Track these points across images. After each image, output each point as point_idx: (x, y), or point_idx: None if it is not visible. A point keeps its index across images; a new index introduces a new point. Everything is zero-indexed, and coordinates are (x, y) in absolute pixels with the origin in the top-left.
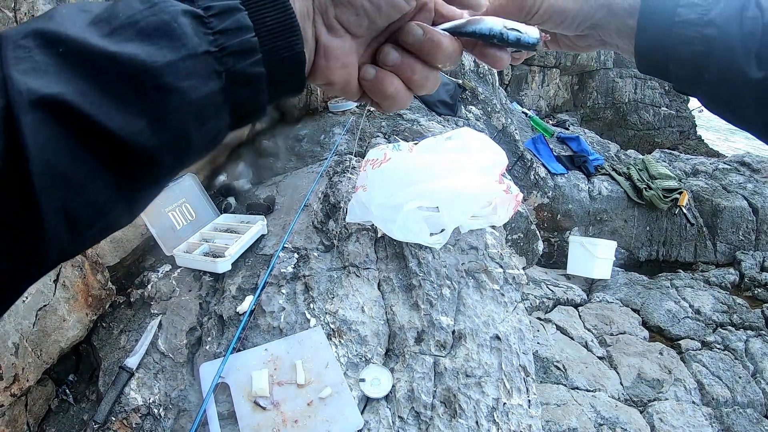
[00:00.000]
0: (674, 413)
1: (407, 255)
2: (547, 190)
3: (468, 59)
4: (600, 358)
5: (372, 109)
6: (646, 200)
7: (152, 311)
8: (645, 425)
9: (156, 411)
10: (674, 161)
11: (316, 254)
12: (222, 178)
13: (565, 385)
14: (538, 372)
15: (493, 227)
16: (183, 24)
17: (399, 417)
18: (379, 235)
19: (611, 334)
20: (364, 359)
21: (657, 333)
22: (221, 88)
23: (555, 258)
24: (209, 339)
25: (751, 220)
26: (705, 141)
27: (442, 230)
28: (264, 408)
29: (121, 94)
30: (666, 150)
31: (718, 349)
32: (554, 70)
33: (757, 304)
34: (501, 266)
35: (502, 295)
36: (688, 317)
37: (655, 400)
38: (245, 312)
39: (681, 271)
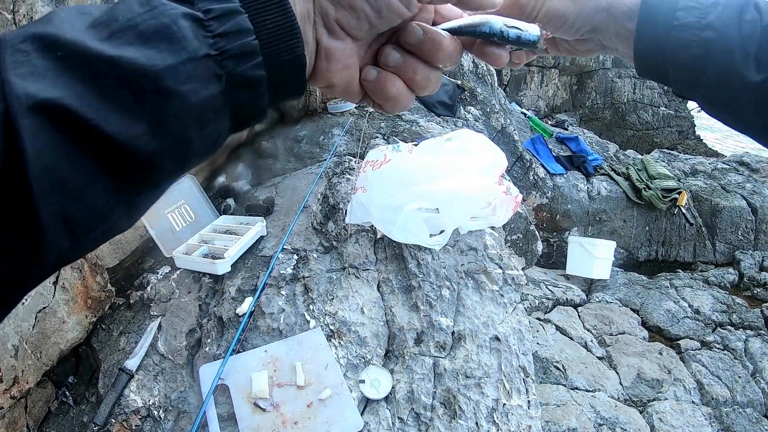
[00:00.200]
0: (674, 413)
1: (407, 256)
2: (546, 191)
3: (467, 60)
4: (599, 358)
5: (372, 109)
6: (645, 200)
7: (152, 313)
8: (645, 425)
9: (156, 413)
10: (673, 161)
11: (315, 255)
12: (221, 179)
13: (564, 386)
14: (537, 372)
15: (493, 228)
16: (183, 27)
17: (399, 418)
18: (378, 237)
19: (611, 334)
20: (363, 360)
21: (656, 333)
22: (221, 92)
23: (554, 258)
24: (209, 341)
25: (750, 220)
26: (704, 141)
27: (442, 231)
28: (264, 409)
29: (120, 98)
30: (665, 150)
31: (718, 348)
32: (553, 70)
33: (756, 304)
34: (500, 267)
35: (502, 295)
36: (688, 317)
37: (654, 400)
38: (245, 313)
39: (680, 270)
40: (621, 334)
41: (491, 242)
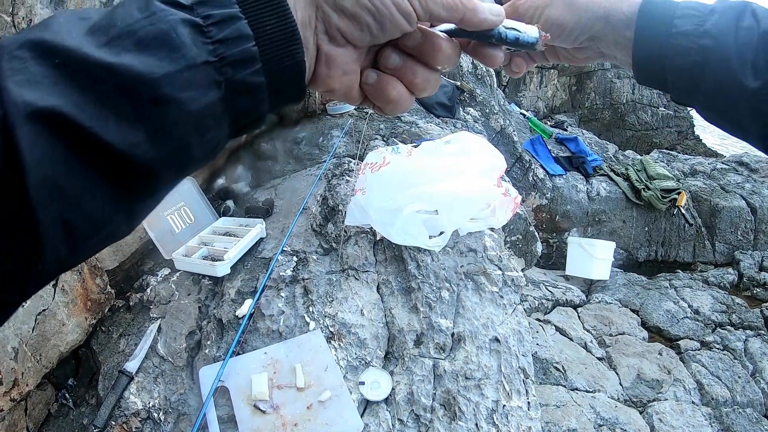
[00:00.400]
0: (674, 413)
1: (406, 258)
2: (545, 192)
3: (466, 61)
4: (599, 358)
5: (371, 111)
6: (645, 201)
7: (151, 315)
8: (644, 425)
9: (156, 415)
10: (672, 161)
11: (315, 257)
12: (220, 181)
13: (564, 386)
14: (537, 373)
15: (492, 229)
16: (182, 34)
17: (399, 420)
18: (378, 238)
19: (610, 335)
20: (363, 362)
21: (656, 333)
22: (221, 98)
23: (554, 259)
24: (209, 343)
25: (750, 220)
26: (703, 141)
27: (441, 233)
28: (264, 411)
29: (118, 106)
30: (664, 150)
31: (718, 349)
32: (552, 71)
33: (756, 304)
34: (500, 268)
35: (501, 297)
36: (687, 317)
37: (654, 400)
38: (244, 315)
39: (680, 271)
40: (621, 334)
41: (491, 243)
